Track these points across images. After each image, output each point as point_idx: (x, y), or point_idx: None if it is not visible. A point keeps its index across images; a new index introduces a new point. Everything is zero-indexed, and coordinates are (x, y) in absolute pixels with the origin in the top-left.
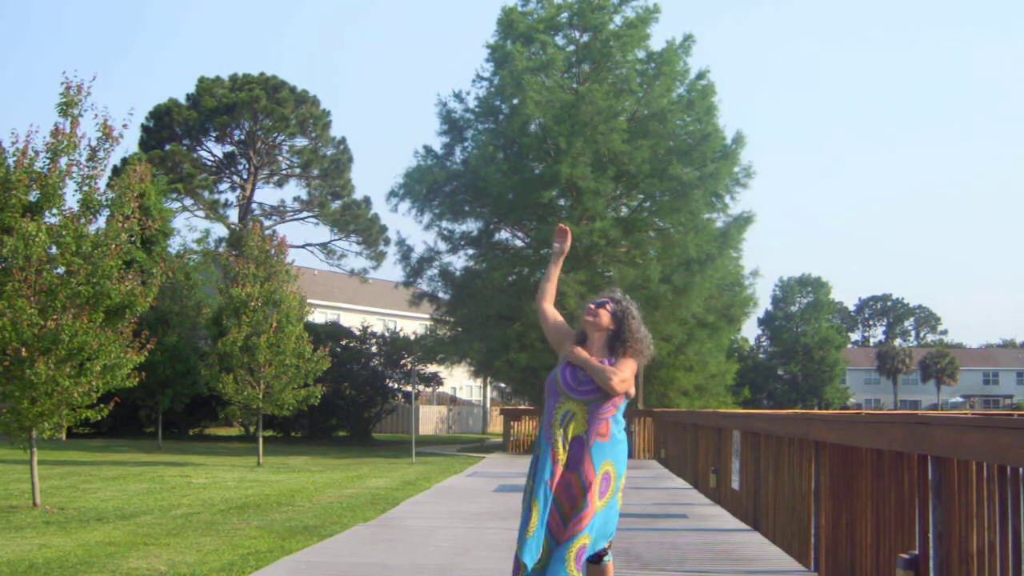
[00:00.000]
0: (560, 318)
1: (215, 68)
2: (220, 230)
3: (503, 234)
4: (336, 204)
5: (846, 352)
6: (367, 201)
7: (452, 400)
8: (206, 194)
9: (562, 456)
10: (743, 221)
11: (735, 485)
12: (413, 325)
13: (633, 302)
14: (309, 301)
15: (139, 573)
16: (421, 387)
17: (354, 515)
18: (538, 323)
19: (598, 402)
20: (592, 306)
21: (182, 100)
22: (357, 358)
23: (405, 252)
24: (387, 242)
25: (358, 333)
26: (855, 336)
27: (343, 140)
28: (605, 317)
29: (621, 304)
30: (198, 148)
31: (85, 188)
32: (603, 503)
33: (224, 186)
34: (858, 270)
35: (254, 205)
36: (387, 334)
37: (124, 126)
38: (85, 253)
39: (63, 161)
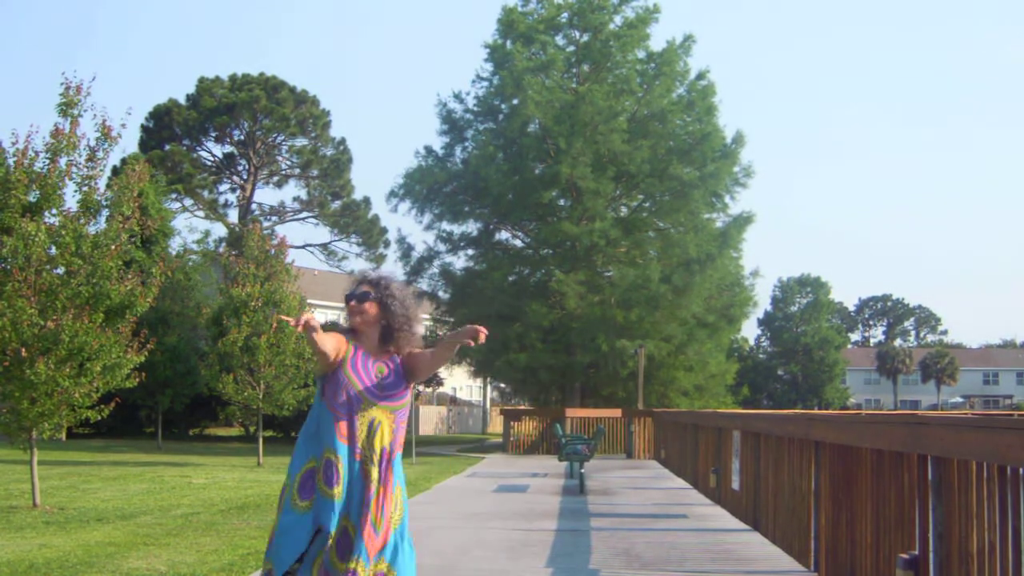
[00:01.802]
0: (330, 338)
1: (215, 68)
2: (220, 230)
3: (503, 234)
4: (336, 204)
5: (846, 352)
6: (367, 201)
7: (452, 400)
8: (206, 194)
9: (375, 475)
10: (743, 221)
11: (735, 485)
12: None
13: (393, 278)
14: (309, 301)
15: (139, 573)
16: (421, 387)
17: None
18: (537, 323)
19: (403, 408)
20: (353, 303)
21: (182, 100)
22: None
23: (406, 251)
24: (387, 244)
25: None
26: (855, 336)
27: (343, 140)
28: (372, 309)
29: (381, 286)
30: (198, 148)
31: (85, 188)
32: (397, 520)
33: (224, 186)
34: (858, 270)
35: (254, 205)
36: None
37: (123, 125)
38: (85, 253)
39: (63, 161)
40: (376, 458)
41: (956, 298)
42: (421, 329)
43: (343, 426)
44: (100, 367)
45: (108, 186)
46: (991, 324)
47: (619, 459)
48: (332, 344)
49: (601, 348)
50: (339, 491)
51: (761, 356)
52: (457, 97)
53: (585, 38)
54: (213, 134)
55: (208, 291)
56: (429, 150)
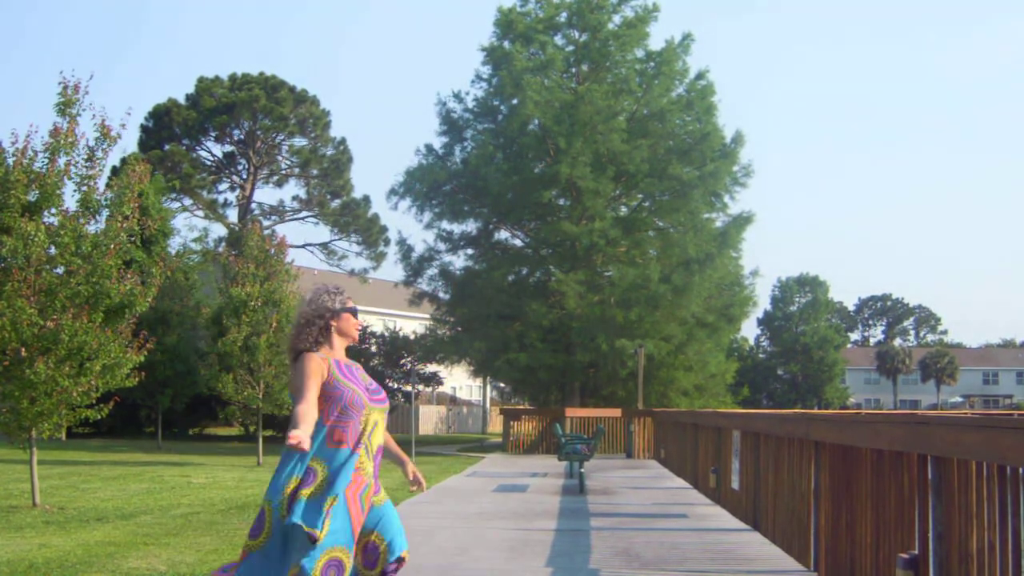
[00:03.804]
0: (313, 378)
1: (215, 68)
2: (220, 230)
3: (503, 234)
4: (335, 203)
5: (846, 352)
6: (367, 200)
7: (452, 400)
8: (205, 194)
9: (370, 469)
10: (742, 221)
11: (735, 485)
12: (413, 325)
13: None
14: None
15: (139, 573)
16: (421, 387)
17: None
18: (537, 323)
19: (388, 408)
20: (359, 319)
21: (181, 100)
22: (356, 358)
23: (406, 251)
24: (387, 243)
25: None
26: (855, 336)
27: (342, 140)
28: None
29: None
30: (197, 148)
31: (84, 188)
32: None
33: (223, 186)
34: (858, 270)
35: (253, 205)
36: (387, 334)
37: (122, 126)
38: (84, 253)
39: (61, 161)
40: (373, 455)
41: (956, 298)
42: None
43: (345, 434)
44: (100, 366)
45: (108, 186)
46: (991, 324)
47: (619, 459)
48: (319, 371)
49: (601, 348)
50: (331, 498)
51: (761, 356)
52: (457, 97)
53: (584, 38)
54: (213, 134)
55: (207, 291)
56: (429, 148)
